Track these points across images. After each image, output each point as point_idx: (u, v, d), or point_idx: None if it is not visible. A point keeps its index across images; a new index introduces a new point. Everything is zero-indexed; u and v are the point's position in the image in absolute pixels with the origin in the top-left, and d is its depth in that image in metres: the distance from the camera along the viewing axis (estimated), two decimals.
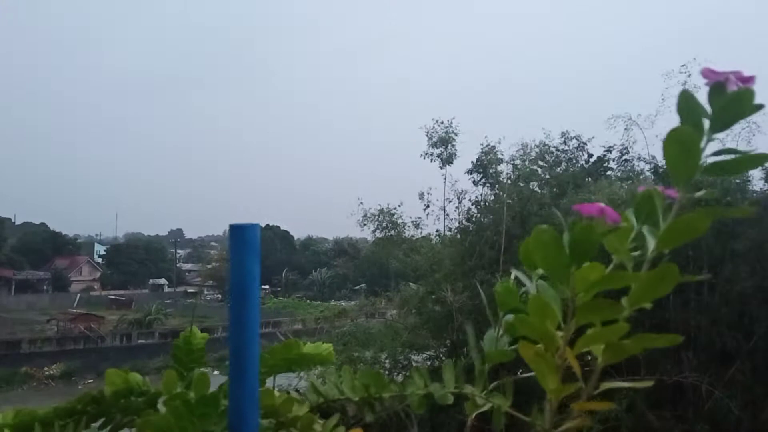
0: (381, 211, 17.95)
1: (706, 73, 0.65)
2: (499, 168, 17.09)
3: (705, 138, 0.63)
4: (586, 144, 18.03)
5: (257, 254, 0.69)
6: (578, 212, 0.66)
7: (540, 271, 0.69)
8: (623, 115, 17.46)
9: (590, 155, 18.37)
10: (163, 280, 68.72)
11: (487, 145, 17.18)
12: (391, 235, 18.19)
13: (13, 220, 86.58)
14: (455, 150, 18.30)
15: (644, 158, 17.95)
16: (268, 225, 74.64)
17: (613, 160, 18.37)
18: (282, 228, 75.25)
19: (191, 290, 67.30)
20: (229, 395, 0.69)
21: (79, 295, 58.94)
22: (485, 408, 0.79)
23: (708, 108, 0.63)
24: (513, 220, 15.62)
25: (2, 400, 28.73)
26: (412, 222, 18.37)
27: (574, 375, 0.67)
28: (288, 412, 0.78)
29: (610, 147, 18.24)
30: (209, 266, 68.50)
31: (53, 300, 55.82)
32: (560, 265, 0.63)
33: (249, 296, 0.69)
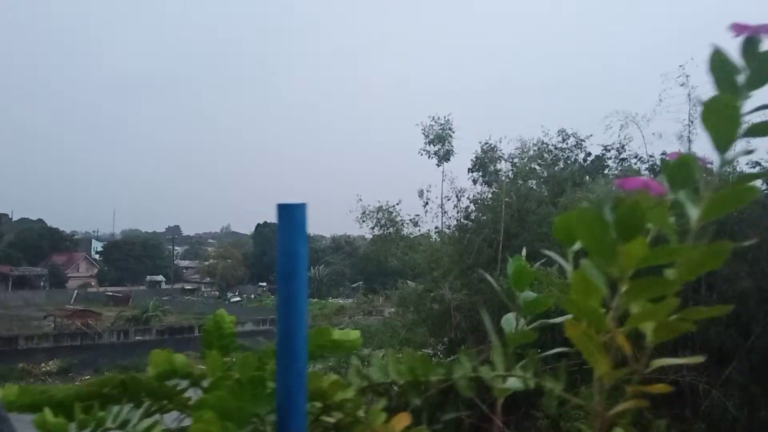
0: (379, 208, 17.96)
1: (736, 27, 0.61)
2: (498, 166, 17.12)
3: (741, 98, 0.61)
4: (584, 141, 18.06)
5: (305, 234, 0.69)
6: (621, 187, 0.63)
7: (575, 248, 0.67)
8: (620, 113, 17.49)
9: (589, 154, 18.41)
10: (160, 277, 68.75)
11: (486, 143, 17.20)
12: (390, 232, 18.21)
13: (10, 216, 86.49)
14: (452, 147, 18.34)
15: (641, 157, 18.00)
16: (265, 222, 74.71)
17: (610, 159, 18.42)
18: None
19: (188, 287, 67.40)
20: (277, 377, 0.68)
21: (76, 291, 58.93)
22: (511, 391, 0.78)
23: (741, 64, 0.61)
24: (511, 218, 15.62)
25: None
26: (410, 219, 18.40)
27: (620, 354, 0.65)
28: (335, 394, 0.77)
29: (609, 146, 18.29)
30: (206, 263, 68.58)
31: (50, 296, 55.81)
32: (606, 242, 0.60)
33: (297, 276, 0.68)
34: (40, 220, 79.59)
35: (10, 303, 52.13)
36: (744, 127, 0.61)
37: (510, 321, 0.80)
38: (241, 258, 67.80)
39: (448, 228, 18.07)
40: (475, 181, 17.29)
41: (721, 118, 0.61)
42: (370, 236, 19.89)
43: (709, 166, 0.65)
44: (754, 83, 0.61)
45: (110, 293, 57.45)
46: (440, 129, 18.28)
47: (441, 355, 15.29)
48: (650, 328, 0.64)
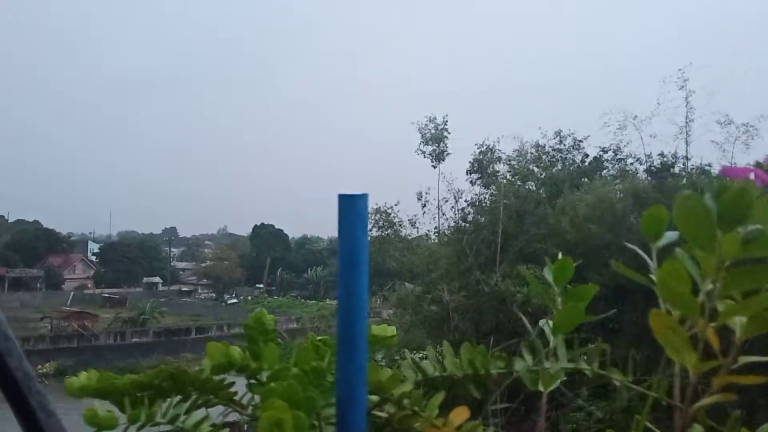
0: (377, 209, 17.95)
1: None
2: (496, 167, 17.14)
3: None
4: (581, 142, 18.11)
5: (366, 224, 0.69)
6: (725, 175, 0.63)
7: (660, 243, 0.67)
8: (617, 111, 17.54)
9: (586, 155, 18.46)
10: (157, 279, 68.62)
11: (484, 145, 17.23)
12: (388, 234, 18.21)
13: (6, 218, 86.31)
14: (446, 147, 18.37)
15: (639, 158, 18.03)
16: (262, 224, 74.67)
17: (608, 161, 18.47)
18: (276, 227, 75.22)
19: (185, 289, 67.30)
20: (337, 368, 0.68)
21: (72, 293, 58.77)
22: (557, 382, 0.78)
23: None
24: (509, 219, 15.63)
25: (3, 397, 28.64)
26: (408, 220, 18.42)
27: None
28: (393, 388, 0.78)
29: (606, 148, 18.34)
30: (203, 265, 68.44)
31: (47, 298, 55.63)
32: (706, 230, 0.60)
33: (358, 267, 0.68)
34: (36, 222, 79.35)
35: (6, 305, 51.94)
36: None
37: (549, 322, 0.80)
38: (238, 260, 67.71)
39: (447, 230, 18.09)
40: (473, 183, 17.32)
41: None
42: (368, 238, 19.86)
43: None
44: None
45: (107, 295, 57.32)
46: (435, 129, 18.31)
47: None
48: (740, 323, 0.63)
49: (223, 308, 54.58)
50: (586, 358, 0.77)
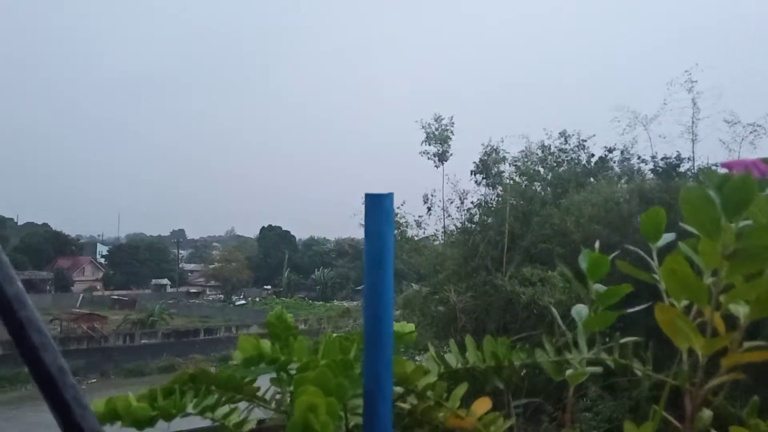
0: None
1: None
2: (501, 168, 17.10)
3: None
4: (585, 141, 18.07)
5: (392, 223, 0.71)
6: (727, 168, 0.67)
7: (660, 243, 0.70)
8: (626, 109, 17.49)
9: (592, 155, 18.41)
10: (165, 281, 68.81)
11: (488, 146, 17.19)
12: (393, 234, 18.22)
13: (15, 221, 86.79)
14: (449, 147, 18.33)
15: (644, 159, 17.98)
16: (269, 225, 74.76)
17: (613, 161, 18.42)
18: (284, 228, 75.29)
19: (193, 290, 67.43)
20: (365, 360, 0.71)
21: (81, 295, 59.01)
22: (585, 376, 0.79)
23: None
24: (516, 220, 15.60)
25: (6, 399, 28.79)
26: (414, 221, 18.40)
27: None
28: (417, 380, 0.79)
29: (612, 148, 18.29)
30: (211, 266, 68.57)
31: (56, 300, 55.88)
32: (711, 219, 0.63)
33: (385, 264, 0.70)
34: (45, 224, 79.82)
35: None
36: None
37: (581, 311, 0.82)
38: (245, 261, 67.82)
39: (453, 231, 18.06)
40: (478, 183, 17.28)
41: None
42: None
43: None
44: None
45: (116, 297, 57.52)
46: (438, 129, 18.25)
47: None
48: (743, 309, 0.67)
49: (232, 309, 54.67)
50: (605, 350, 0.79)
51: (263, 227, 75.51)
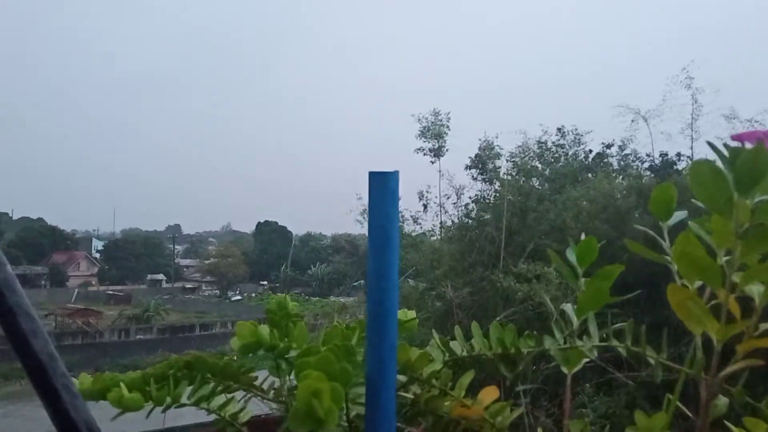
0: None
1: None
2: (497, 163, 17.09)
3: None
4: (582, 136, 18.11)
5: (397, 202, 0.69)
6: (738, 140, 0.63)
7: (669, 223, 0.67)
8: (626, 107, 17.51)
9: (590, 151, 18.42)
10: (161, 276, 68.67)
11: (484, 140, 17.18)
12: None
13: (10, 215, 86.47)
14: (445, 143, 18.31)
15: (641, 157, 18.02)
16: (266, 221, 74.65)
17: (612, 156, 18.44)
18: (280, 224, 75.18)
19: (189, 286, 67.34)
20: (367, 346, 0.68)
21: (77, 290, 58.86)
22: (582, 364, 0.78)
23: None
24: (513, 216, 15.60)
25: (1, 395, 28.71)
26: (411, 216, 18.38)
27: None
28: (422, 367, 0.77)
29: (610, 143, 18.31)
30: (207, 262, 68.48)
31: (51, 295, 55.71)
32: (722, 195, 0.60)
33: (390, 243, 0.67)
34: (40, 219, 79.48)
35: None
36: None
37: (571, 306, 0.80)
38: (241, 257, 67.73)
39: (449, 226, 18.05)
40: (474, 178, 17.27)
41: None
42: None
43: None
44: None
45: (111, 292, 57.39)
46: (434, 123, 18.19)
47: None
48: (758, 290, 0.63)
49: (227, 305, 54.61)
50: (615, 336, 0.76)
51: (259, 223, 75.39)
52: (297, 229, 79.86)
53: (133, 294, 56.21)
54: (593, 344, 0.76)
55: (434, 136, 18.25)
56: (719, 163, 0.62)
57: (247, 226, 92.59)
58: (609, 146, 18.38)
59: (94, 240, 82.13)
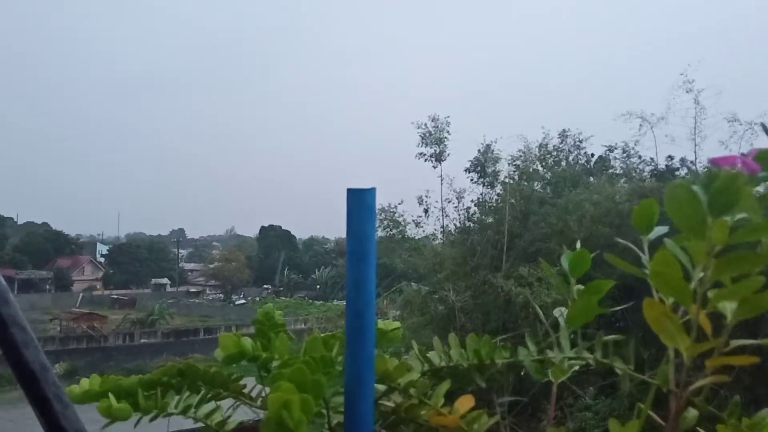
0: (382, 209, 17.93)
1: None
2: (497, 167, 17.11)
3: None
4: (582, 141, 18.12)
5: (374, 218, 0.71)
6: (715, 164, 0.65)
7: (651, 236, 0.69)
8: (636, 114, 17.50)
9: (591, 155, 18.42)
10: (165, 280, 68.82)
11: (484, 144, 17.21)
12: (393, 234, 18.18)
13: (15, 220, 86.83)
14: (446, 148, 18.33)
15: (645, 160, 17.99)
16: (270, 225, 74.75)
17: (616, 159, 18.43)
18: (284, 228, 75.30)
19: (193, 290, 67.45)
20: (346, 358, 0.70)
21: (81, 294, 59.04)
22: (567, 374, 0.79)
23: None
24: (514, 219, 15.60)
25: (6, 400, 28.80)
26: (413, 220, 18.39)
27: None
28: (400, 377, 0.79)
29: (613, 147, 18.29)
30: (211, 266, 68.59)
31: (56, 299, 55.91)
32: (696, 217, 0.62)
33: (367, 259, 0.70)
34: (45, 224, 79.84)
35: None
36: None
37: (564, 312, 0.83)
38: (245, 261, 67.83)
39: (452, 230, 18.06)
40: (473, 182, 17.29)
41: None
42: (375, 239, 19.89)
43: None
44: None
45: (115, 296, 57.55)
46: (434, 129, 18.22)
47: None
48: (731, 307, 0.66)
49: (231, 309, 54.67)
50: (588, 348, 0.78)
51: (263, 227, 75.51)
52: (301, 233, 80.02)
53: (138, 298, 56.33)
54: (564, 356, 0.78)
55: (435, 141, 18.28)
56: (696, 186, 0.64)
57: (251, 230, 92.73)
58: (611, 149, 18.37)
59: (98, 244, 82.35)
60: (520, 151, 17.20)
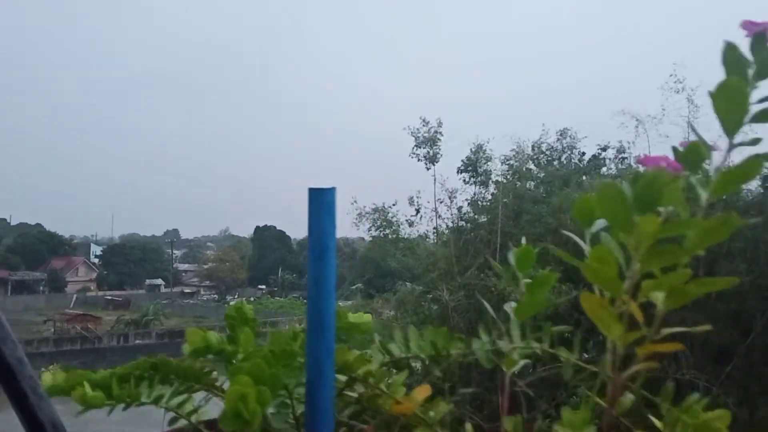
0: (375, 209, 17.94)
1: (746, 24, 0.69)
2: (488, 166, 17.14)
3: (750, 87, 0.67)
4: (578, 141, 18.16)
5: (334, 216, 0.73)
6: (641, 164, 0.69)
7: (593, 229, 0.73)
8: (632, 114, 17.57)
9: (583, 153, 18.47)
10: (159, 281, 68.65)
11: (476, 144, 17.24)
12: (387, 234, 18.19)
13: (8, 221, 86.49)
14: (439, 149, 18.36)
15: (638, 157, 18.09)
16: (265, 225, 74.63)
17: (610, 159, 18.48)
18: (278, 228, 75.19)
19: (188, 290, 67.30)
20: (307, 350, 0.73)
21: (75, 295, 58.83)
22: (520, 365, 0.82)
23: (750, 58, 0.67)
24: (508, 218, 15.64)
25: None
26: (406, 220, 18.40)
27: (633, 324, 0.70)
28: (360, 368, 0.80)
29: (606, 146, 18.35)
30: (206, 266, 68.43)
31: (50, 301, 55.68)
32: (624, 215, 0.65)
33: (327, 256, 0.73)
34: (38, 225, 79.47)
35: (10, 308, 51.97)
36: (750, 114, 0.67)
37: (512, 305, 0.86)
38: (240, 261, 67.71)
39: (444, 230, 18.08)
40: (465, 182, 17.30)
41: (730, 103, 0.66)
42: (369, 238, 19.92)
43: (717, 151, 0.71)
44: (761, 74, 0.67)
45: (109, 297, 57.37)
46: (427, 132, 18.26)
47: None
48: (661, 297, 0.69)
49: (226, 309, 54.54)
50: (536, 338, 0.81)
51: (258, 227, 75.38)
52: (295, 233, 79.83)
53: (132, 299, 56.17)
54: (513, 346, 0.81)
55: (428, 143, 18.32)
56: (624, 184, 0.68)
57: (245, 230, 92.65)
58: (604, 149, 18.43)
59: (92, 245, 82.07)
60: (513, 150, 17.24)
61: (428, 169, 18.43)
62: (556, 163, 17.88)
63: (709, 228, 0.65)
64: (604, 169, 18.09)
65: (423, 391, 0.77)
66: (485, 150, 17.08)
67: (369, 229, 18.31)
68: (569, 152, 18.24)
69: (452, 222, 17.73)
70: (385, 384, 0.77)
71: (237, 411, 0.63)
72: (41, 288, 61.66)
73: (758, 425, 11.33)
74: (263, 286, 66.76)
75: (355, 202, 17.95)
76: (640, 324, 0.68)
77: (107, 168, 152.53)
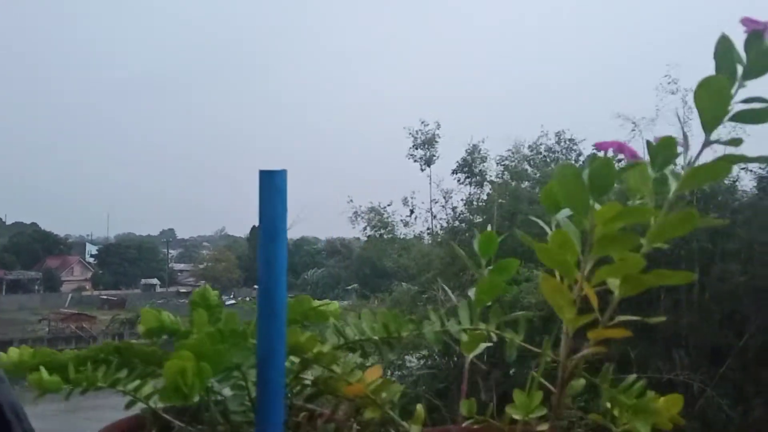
0: (371, 209, 18.00)
1: (745, 21, 0.67)
2: (484, 166, 17.19)
3: (737, 84, 0.66)
4: (576, 144, 18.25)
5: (285, 199, 0.73)
6: (597, 149, 0.70)
7: (559, 216, 0.73)
8: (628, 117, 17.65)
9: (579, 154, 18.55)
10: (155, 280, 68.63)
11: (471, 145, 17.31)
12: (382, 233, 18.24)
13: (3, 220, 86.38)
14: (436, 151, 18.43)
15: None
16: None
17: None
18: None
19: (183, 290, 67.25)
20: (257, 331, 0.73)
21: (70, 295, 58.76)
22: (480, 350, 0.83)
23: (744, 56, 0.66)
24: (503, 219, 15.69)
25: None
26: (401, 220, 18.45)
27: (591, 310, 0.70)
28: (312, 349, 0.80)
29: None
30: (201, 266, 68.43)
31: (45, 300, 55.60)
32: (580, 198, 0.66)
33: (278, 238, 0.73)
34: (34, 224, 79.33)
35: (5, 307, 51.90)
36: (732, 112, 0.66)
37: (473, 291, 0.87)
38: (236, 261, 67.72)
39: (439, 230, 18.12)
40: (460, 182, 17.36)
41: (711, 99, 0.65)
42: (365, 239, 19.96)
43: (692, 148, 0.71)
44: (751, 73, 0.66)
45: (105, 296, 57.33)
46: (425, 134, 18.32)
47: (436, 356, 15.39)
48: (617, 284, 0.69)
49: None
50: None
51: (254, 227, 75.21)
52: (292, 234, 79.64)
53: (127, 298, 56.12)
54: (461, 327, 0.81)
55: (426, 144, 18.38)
56: (582, 169, 0.68)
57: (241, 230, 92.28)
58: (599, 150, 18.51)
59: (87, 245, 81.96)
60: (509, 150, 17.31)
61: (423, 170, 18.52)
62: (552, 164, 17.95)
63: (669, 221, 0.65)
64: None
65: (374, 373, 0.77)
66: (480, 150, 17.17)
67: (364, 229, 18.38)
68: (566, 154, 18.32)
69: (447, 222, 17.79)
70: (339, 366, 0.77)
71: (176, 384, 0.63)
72: (36, 287, 61.59)
73: (753, 425, 11.37)
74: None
75: (351, 201, 17.98)
76: (594, 309, 0.68)
77: (103, 167, 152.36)
